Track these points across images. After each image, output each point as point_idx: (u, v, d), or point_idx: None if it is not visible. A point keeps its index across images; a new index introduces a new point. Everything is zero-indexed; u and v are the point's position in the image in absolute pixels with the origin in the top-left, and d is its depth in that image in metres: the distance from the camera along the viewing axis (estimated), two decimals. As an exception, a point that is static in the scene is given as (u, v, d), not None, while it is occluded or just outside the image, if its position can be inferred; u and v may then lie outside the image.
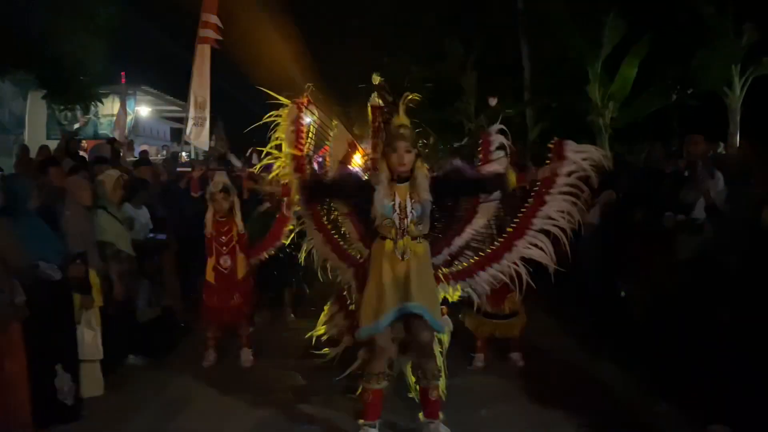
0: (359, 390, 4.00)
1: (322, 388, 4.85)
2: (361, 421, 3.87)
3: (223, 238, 5.45)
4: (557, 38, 11.90)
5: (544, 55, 14.21)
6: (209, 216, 5.46)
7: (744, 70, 9.65)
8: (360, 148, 4.46)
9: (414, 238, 3.69)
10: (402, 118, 3.79)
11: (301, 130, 4.23)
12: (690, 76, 9.80)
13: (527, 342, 5.68)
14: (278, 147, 4.30)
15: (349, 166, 4.39)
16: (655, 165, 6.84)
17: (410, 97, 3.85)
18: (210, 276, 5.47)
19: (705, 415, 4.06)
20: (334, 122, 4.43)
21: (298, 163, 4.17)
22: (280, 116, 4.25)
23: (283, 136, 4.24)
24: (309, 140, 4.31)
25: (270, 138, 4.30)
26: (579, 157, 3.89)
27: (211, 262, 5.46)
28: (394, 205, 3.65)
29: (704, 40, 9.81)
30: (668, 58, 11.61)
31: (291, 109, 4.25)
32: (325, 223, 4.22)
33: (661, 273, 5.13)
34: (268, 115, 4.28)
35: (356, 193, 3.93)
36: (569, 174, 3.89)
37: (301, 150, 4.20)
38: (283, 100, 4.28)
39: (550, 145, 4.01)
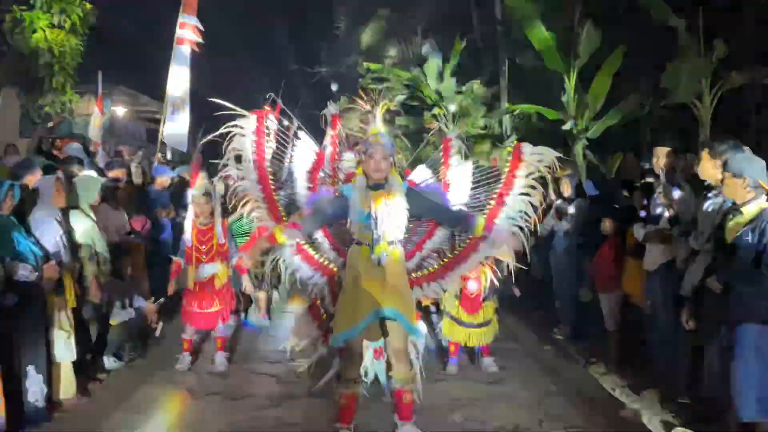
0: (335, 394, 4.04)
1: (297, 393, 4.89)
2: (336, 425, 3.91)
3: (204, 246, 5.43)
4: (534, 48, 12.05)
5: (522, 64, 14.39)
6: (190, 223, 5.44)
7: (714, 84, 9.89)
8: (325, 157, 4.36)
9: (390, 244, 3.74)
10: (379, 126, 3.85)
11: (261, 141, 4.11)
12: (661, 88, 9.99)
13: (501, 347, 5.79)
14: (237, 158, 4.14)
15: (317, 179, 4.26)
16: (626, 175, 7.01)
17: (387, 105, 3.91)
18: (190, 283, 5.45)
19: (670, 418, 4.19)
20: (300, 132, 4.30)
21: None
22: (240, 127, 4.09)
23: (241, 147, 4.08)
24: (269, 150, 4.17)
25: (226, 150, 4.13)
26: (534, 159, 4.02)
27: (191, 269, 5.43)
28: (370, 211, 3.69)
29: (675, 54, 10.03)
30: (640, 70, 11.86)
31: (251, 120, 4.10)
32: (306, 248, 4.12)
33: (630, 281, 5.27)
34: (226, 125, 4.10)
35: (332, 214, 3.90)
36: (527, 175, 4.01)
37: (263, 161, 4.07)
38: (240, 111, 4.11)
39: (509, 149, 4.16)
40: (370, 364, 4.19)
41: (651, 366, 5.05)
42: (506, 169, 4.07)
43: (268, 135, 4.15)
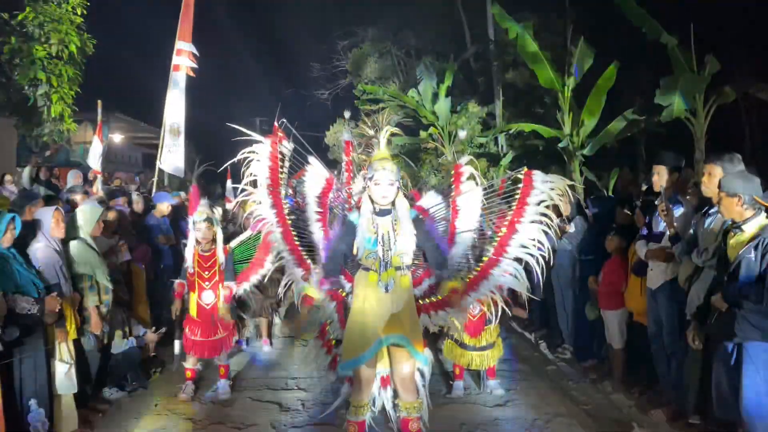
0: (344, 423, 3.99)
1: (301, 421, 4.84)
2: None
3: (206, 273, 5.41)
4: (528, 67, 12.16)
5: (516, 82, 14.51)
6: (191, 250, 5.42)
7: (707, 99, 9.97)
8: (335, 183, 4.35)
9: (397, 270, 3.73)
10: (384, 152, 3.84)
11: (276, 166, 4.19)
12: (655, 104, 10.07)
13: (505, 369, 5.75)
14: (253, 183, 4.24)
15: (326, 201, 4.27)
16: (625, 192, 7.03)
17: (391, 131, 3.92)
18: (192, 311, 5.42)
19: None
20: (310, 158, 4.31)
21: (275, 199, 4.16)
22: (255, 152, 4.18)
23: (257, 172, 4.18)
24: (283, 175, 4.26)
25: (244, 174, 4.22)
26: (547, 187, 3.99)
27: (193, 297, 5.41)
28: (377, 237, 3.67)
29: (668, 70, 10.12)
30: (634, 87, 11.96)
31: (265, 146, 4.20)
32: (305, 257, 4.18)
33: (633, 299, 5.26)
34: (243, 152, 4.21)
35: (348, 247, 3.88)
36: (539, 203, 3.98)
37: (277, 186, 4.17)
38: (256, 136, 4.24)
39: (520, 176, 4.11)
40: (377, 393, 4.13)
41: (657, 385, 5.02)
42: (517, 196, 4.03)
43: (282, 160, 4.23)
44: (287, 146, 4.30)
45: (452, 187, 4.16)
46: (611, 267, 5.59)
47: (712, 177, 3.99)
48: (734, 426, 3.68)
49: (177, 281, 5.59)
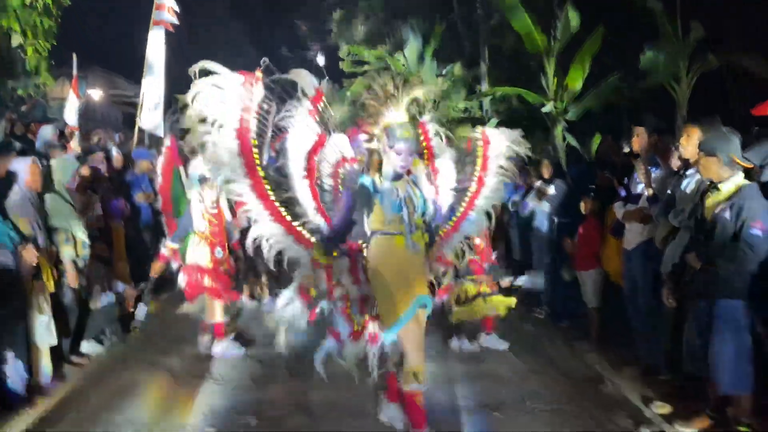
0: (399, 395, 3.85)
1: (280, 377, 4.89)
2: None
3: (216, 229, 5.50)
4: (514, 31, 12.06)
5: (502, 46, 14.39)
6: (199, 209, 5.42)
7: (691, 66, 10.00)
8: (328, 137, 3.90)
9: (420, 231, 3.69)
10: (405, 116, 3.67)
11: (247, 110, 3.52)
12: (640, 70, 10.08)
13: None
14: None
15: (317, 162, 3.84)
16: (605, 156, 7.07)
17: (412, 97, 3.73)
18: (208, 263, 5.42)
19: (651, 393, 4.27)
20: (299, 107, 3.74)
21: (249, 163, 3.53)
22: (217, 86, 3.44)
23: (222, 113, 3.46)
24: (258, 125, 3.59)
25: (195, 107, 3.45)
26: (500, 139, 4.16)
27: (207, 252, 5.44)
28: (400, 201, 3.59)
29: (654, 36, 10.11)
30: (619, 53, 11.92)
31: (236, 81, 3.48)
32: (303, 233, 3.73)
33: (609, 260, 5.33)
34: (201, 80, 3.40)
35: (356, 210, 3.70)
36: (496, 156, 4.14)
37: (246, 135, 3.50)
38: (223, 70, 3.45)
39: (478, 135, 4.19)
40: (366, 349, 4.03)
41: (631, 343, 5.13)
42: (479, 153, 4.14)
43: (265, 111, 3.60)
44: (260, 90, 3.56)
45: (423, 146, 4.12)
46: (587, 228, 5.66)
47: (691, 138, 4.02)
48: (703, 381, 3.78)
49: (169, 244, 5.55)
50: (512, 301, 5.57)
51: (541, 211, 6.66)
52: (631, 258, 4.78)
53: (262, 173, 3.62)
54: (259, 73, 3.58)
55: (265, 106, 3.63)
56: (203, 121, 3.49)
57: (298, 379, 4.75)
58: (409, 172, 3.69)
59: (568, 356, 5.41)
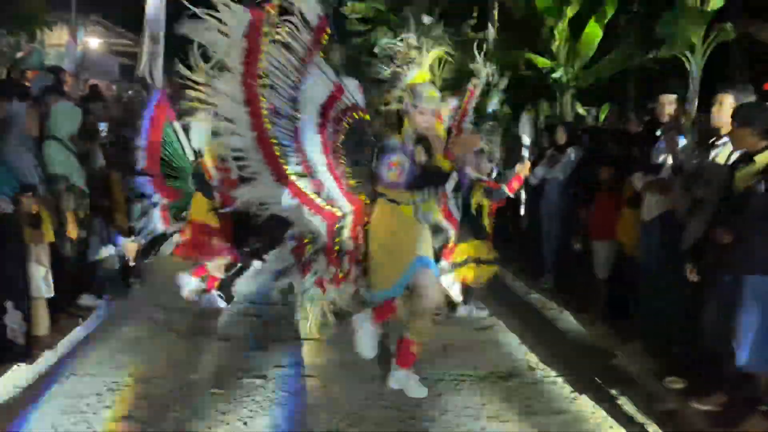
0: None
1: (284, 336, 4.80)
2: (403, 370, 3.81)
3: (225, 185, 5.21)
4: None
5: (511, 10, 14.03)
6: (209, 163, 5.21)
7: (707, 36, 9.74)
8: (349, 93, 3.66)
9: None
10: (429, 77, 3.54)
11: (256, 49, 3.16)
12: (654, 39, 9.82)
13: (489, 295, 5.74)
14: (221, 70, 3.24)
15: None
16: (616, 125, 6.91)
17: (440, 54, 3.56)
18: (216, 221, 5.23)
19: (663, 368, 4.20)
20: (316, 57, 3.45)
21: (260, 134, 3.25)
22: (224, 23, 3.10)
23: (225, 53, 3.16)
24: (267, 68, 3.27)
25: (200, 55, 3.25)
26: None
27: (214, 206, 5.19)
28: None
29: (670, 4, 9.82)
30: (633, 20, 11.63)
31: (244, 17, 3.13)
32: (321, 203, 3.59)
33: (624, 231, 5.21)
34: (205, 12, 3.03)
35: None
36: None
37: (253, 79, 3.18)
38: (230, 3, 3.09)
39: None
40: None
41: (640, 316, 5.04)
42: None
43: (266, 43, 3.23)
44: (273, 28, 3.23)
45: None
46: (604, 197, 5.52)
47: (723, 106, 3.85)
48: (719, 358, 3.69)
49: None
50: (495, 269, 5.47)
51: (552, 179, 6.50)
52: (649, 230, 4.65)
53: (269, 126, 3.32)
54: (270, 8, 3.28)
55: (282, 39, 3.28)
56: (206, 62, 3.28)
57: (304, 341, 4.66)
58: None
59: (577, 327, 5.33)
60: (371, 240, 3.63)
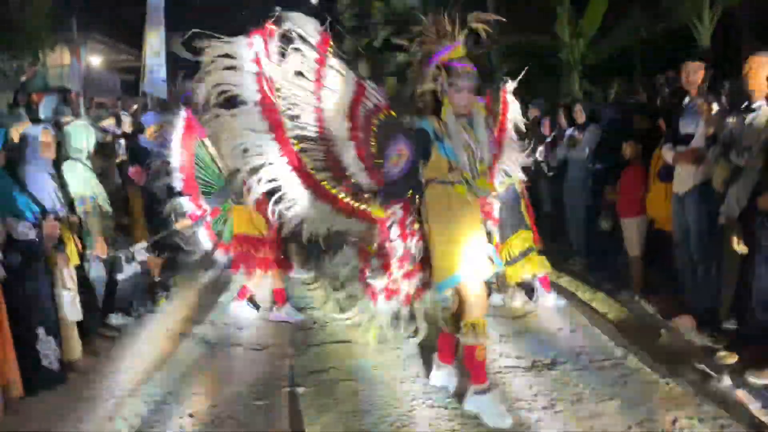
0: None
1: (318, 341, 4.74)
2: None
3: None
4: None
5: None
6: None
7: (713, 2, 9.55)
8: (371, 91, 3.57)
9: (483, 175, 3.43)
10: (463, 51, 3.34)
11: (262, 70, 3.28)
12: (659, 9, 9.65)
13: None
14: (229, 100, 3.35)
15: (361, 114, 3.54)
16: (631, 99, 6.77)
17: (479, 26, 3.40)
18: (264, 229, 5.09)
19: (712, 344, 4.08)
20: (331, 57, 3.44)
21: (288, 154, 3.33)
22: (229, 56, 3.27)
23: (236, 84, 3.29)
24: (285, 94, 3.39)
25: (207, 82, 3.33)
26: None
27: (262, 221, 5.02)
28: (464, 146, 3.31)
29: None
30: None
31: (245, 42, 3.27)
32: (357, 205, 3.56)
33: (655, 206, 5.08)
34: (209, 56, 3.25)
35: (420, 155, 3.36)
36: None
37: (270, 99, 3.28)
38: (228, 39, 3.27)
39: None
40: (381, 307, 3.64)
41: (677, 293, 4.91)
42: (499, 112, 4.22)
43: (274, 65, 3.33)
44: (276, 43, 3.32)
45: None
46: (630, 174, 5.39)
47: (759, 68, 3.72)
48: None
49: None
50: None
51: (574, 159, 6.38)
52: (683, 203, 4.52)
53: (295, 143, 3.41)
54: (271, 26, 3.33)
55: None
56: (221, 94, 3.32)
57: (338, 344, 4.58)
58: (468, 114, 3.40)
59: (615, 308, 5.20)
60: (430, 229, 3.42)
